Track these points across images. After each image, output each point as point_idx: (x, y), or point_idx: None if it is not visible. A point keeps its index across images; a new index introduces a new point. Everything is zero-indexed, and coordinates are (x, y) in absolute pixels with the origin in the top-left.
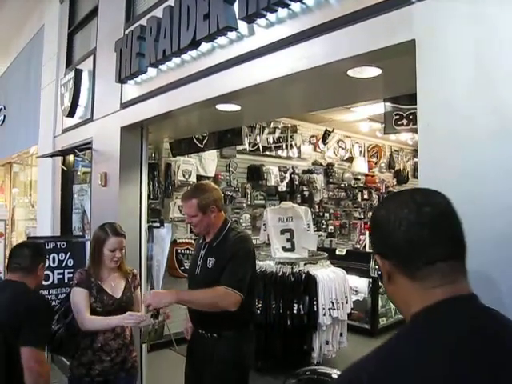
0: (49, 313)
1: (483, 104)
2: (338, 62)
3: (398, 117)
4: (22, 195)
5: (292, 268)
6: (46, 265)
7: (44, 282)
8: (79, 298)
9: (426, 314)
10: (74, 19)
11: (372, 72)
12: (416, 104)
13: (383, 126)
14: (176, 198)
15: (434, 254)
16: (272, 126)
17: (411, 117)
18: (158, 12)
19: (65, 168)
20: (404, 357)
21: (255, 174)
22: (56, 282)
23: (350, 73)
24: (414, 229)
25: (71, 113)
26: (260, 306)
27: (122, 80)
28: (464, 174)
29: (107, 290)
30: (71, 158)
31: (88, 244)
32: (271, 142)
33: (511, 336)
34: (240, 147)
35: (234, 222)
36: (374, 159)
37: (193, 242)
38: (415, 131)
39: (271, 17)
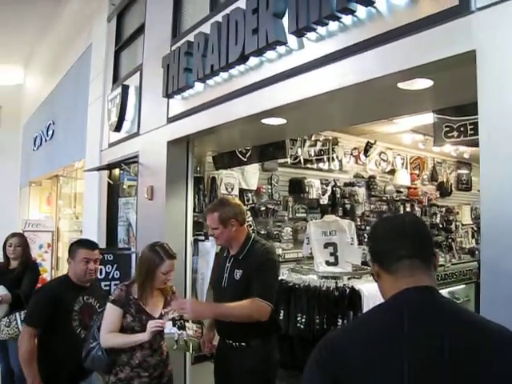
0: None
1: None
2: (389, 75)
3: (448, 129)
4: (67, 207)
5: (336, 282)
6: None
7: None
8: (109, 315)
9: (390, 298)
10: (121, 37)
11: (423, 84)
12: (467, 116)
13: (433, 138)
14: None
15: (401, 254)
16: (313, 138)
17: (462, 129)
18: (205, 28)
19: (111, 181)
20: (362, 319)
21: (297, 187)
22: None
23: (400, 85)
24: (390, 237)
25: (118, 127)
26: (304, 320)
27: (168, 95)
28: None
29: (146, 310)
30: (117, 171)
31: (134, 256)
32: (312, 154)
33: (449, 312)
34: (282, 160)
35: (258, 235)
36: (417, 171)
37: None
38: (466, 143)
39: (321, 30)
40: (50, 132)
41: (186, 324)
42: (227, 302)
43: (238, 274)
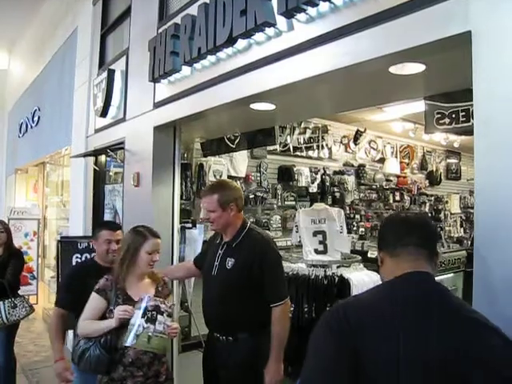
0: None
1: None
2: (381, 57)
3: (439, 115)
4: (54, 195)
5: (325, 271)
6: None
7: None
8: (89, 303)
9: (393, 279)
10: (107, 20)
11: (415, 68)
12: (459, 102)
13: (424, 125)
14: None
15: (407, 241)
16: (303, 126)
17: (454, 115)
18: (193, 10)
19: (97, 168)
20: (367, 295)
21: (286, 174)
22: None
23: (392, 70)
24: (398, 226)
25: (104, 113)
26: (292, 309)
27: (155, 79)
28: None
29: (134, 299)
30: (103, 158)
31: None
32: (302, 142)
33: (441, 298)
34: (271, 148)
35: (256, 223)
36: (406, 160)
37: None
38: (458, 130)
39: (312, 11)
40: (36, 118)
41: (158, 317)
42: (214, 291)
43: (229, 262)
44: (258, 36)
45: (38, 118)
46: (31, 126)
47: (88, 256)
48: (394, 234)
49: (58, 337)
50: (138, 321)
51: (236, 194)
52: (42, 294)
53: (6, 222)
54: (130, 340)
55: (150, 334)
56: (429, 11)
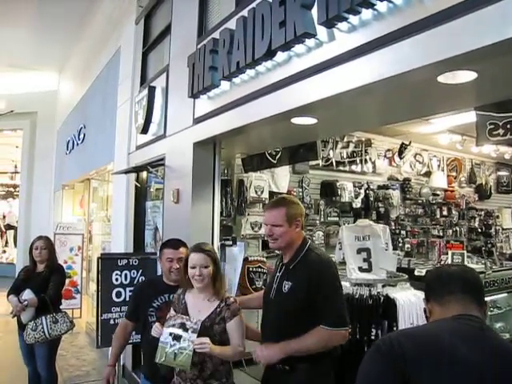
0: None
1: None
2: (428, 66)
3: (492, 126)
4: (100, 210)
5: (370, 290)
6: (118, 281)
7: (116, 299)
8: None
9: (447, 318)
10: (148, 38)
11: (466, 77)
12: None
13: (475, 137)
14: (248, 214)
15: (454, 288)
16: (346, 140)
17: (508, 126)
18: (231, 24)
19: (138, 184)
20: (426, 331)
21: (329, 189)
22: (127, 299)
23: (441, 79)
24: (447, 276)
25: (145, 130)
26: None
27: (194, 95)
28: None
29: (190, 313)
30: (144, 174)
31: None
32: (345, 156)
33: (491, 341)
34: (313, 162)
35: (313, 242)
36: (454, 173)
37: (264, 259)
38: None
39: (354, 19)
40: (82, 136)
41: (183, 334)
42: (272, 316)
43: (286, 286)
44: (298, 48)
45: (84, 135)
46: (77, 144)
47: (128, 273)
48: (441, 283)
49: (117, 344)
50: (166, 338)
51: (302, 209)
52: (86, 307)
53: (52, 236)
54: (158, 356)
55: (175, 350)
56: (482, 13)
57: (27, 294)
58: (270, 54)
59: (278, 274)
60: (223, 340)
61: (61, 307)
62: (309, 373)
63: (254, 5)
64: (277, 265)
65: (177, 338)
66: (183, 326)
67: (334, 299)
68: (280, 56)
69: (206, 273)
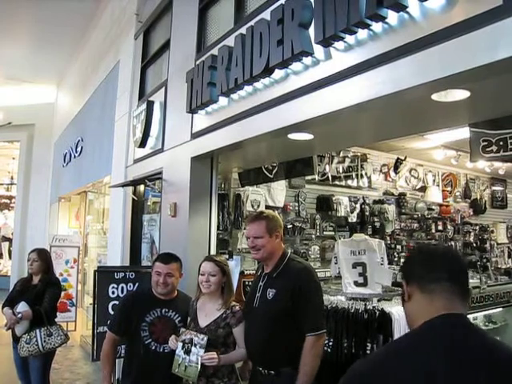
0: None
1: None
2: (423, 85)
3: (485, 143)
4: (96, 222)
5: (365, 304)
6: (115, 295)
7: (112, 312)
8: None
9: (424, 326)
10: (147, 53)
11: (459, 95)
12: (507, 129)
13: (468, 153)
14: (244, 228)
15: (441, 276)
16: (341, 155)
17: (501, 143)
18: (229, 41)
19: (135, 198)
20: (393, 349)
21: (324, 204)
22: None
23: (435, 97)
24: (430, 258)
25: (142, 143)
26: (331, 344)
27: (192, 110)
28: None
29: (198, 317)
30: (142, 187)
31: None
32: (341, 171)
33: (481, 344)
34: (309, 177)
35: (294, 253)
36: (449, 188)
37: None
38: (507, 158)
39: (350, 39)
40: (79, 148)
41: (192, 349)
42: (258, 322)
43: (270, 293)
44: (295, 65)
45: (81, 148)
46: (74, 156)
47: (124, 286)
48: (425, 266)
49: (110, 363)
50: (179, 351)
51: (280, 222)
52: (81, 320)
53: (48, 249)
54: (173, 367)
55: (186, 363)
56: (474, 35)
57: (22, 307)
58: (267, 71)
59: (260, 283)
60: (227, 343)
61: (56, 320)
62: (293, 377)
63: (252, 23)
64: (257, 275)
65: (187, 352)
66: (191, 342)
67: (315, 306)
68: (277, 73)
69: (213, 280)
